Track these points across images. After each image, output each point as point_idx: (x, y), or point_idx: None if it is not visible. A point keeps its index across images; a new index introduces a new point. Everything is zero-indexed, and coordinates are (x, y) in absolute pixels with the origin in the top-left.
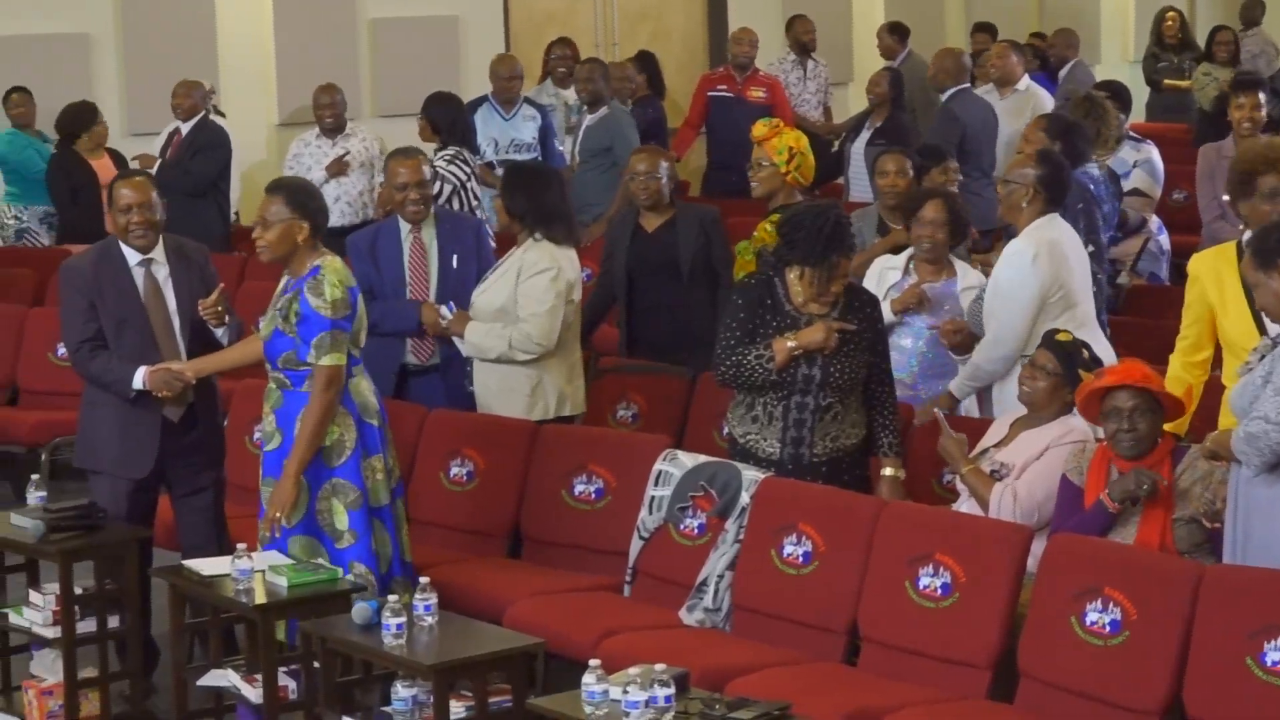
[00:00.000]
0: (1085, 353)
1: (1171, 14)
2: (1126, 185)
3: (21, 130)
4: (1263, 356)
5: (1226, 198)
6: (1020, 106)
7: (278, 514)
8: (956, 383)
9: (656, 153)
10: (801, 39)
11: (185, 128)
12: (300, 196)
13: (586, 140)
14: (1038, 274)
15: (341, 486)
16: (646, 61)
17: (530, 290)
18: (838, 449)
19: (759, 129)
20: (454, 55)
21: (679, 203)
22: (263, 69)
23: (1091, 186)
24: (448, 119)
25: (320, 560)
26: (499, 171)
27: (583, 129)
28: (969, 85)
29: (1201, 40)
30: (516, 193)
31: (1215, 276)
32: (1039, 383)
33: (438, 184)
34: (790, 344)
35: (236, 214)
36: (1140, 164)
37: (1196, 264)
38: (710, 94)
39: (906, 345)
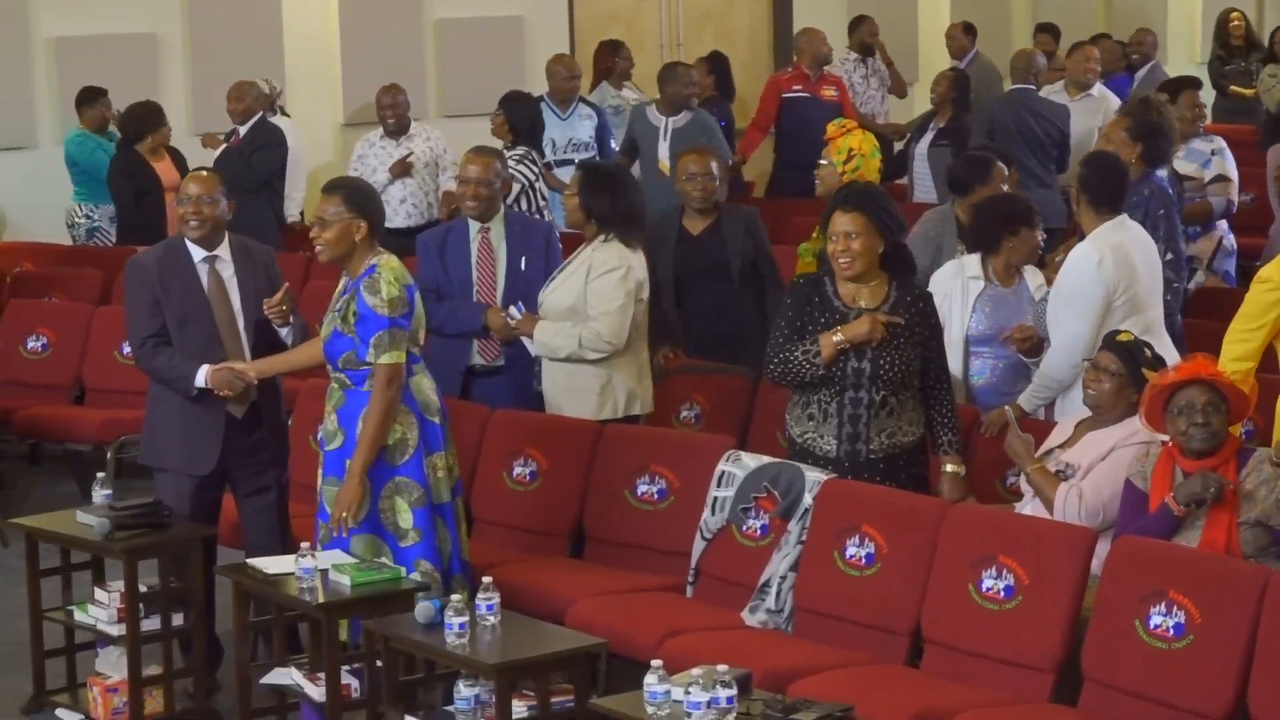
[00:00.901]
0: (1148, 352)
1: (1236, 15)
2: (1208, 174)
3: (94, 134)
4: None
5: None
6: (1093, 108)
7: (344, 514)
8: (1026, 396)
9: (707, 152)
10: (865, 39)
11: (244, 130)
12: (358, 196)
13: (677, 144)
14: (1102, 279)
15: (405, 485)
16: (717, 62)
17: (601, 288)
18: (894, 445)
19: (831, 128)
20: (519, 55)
21: (722, 204)
22: (328, 69)
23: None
24: (527, 119)
25: (384, 559)
26: (556, 172)
27: (670, 132)
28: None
29: (1266, 40)
30: (599, 193)
31: None
32: (1104, 384)
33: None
34: (836, 338)
35: (300, 214)
36: (1217, 152)
37: (1274, 271)
38: (784, 94)
39: (987, 351)
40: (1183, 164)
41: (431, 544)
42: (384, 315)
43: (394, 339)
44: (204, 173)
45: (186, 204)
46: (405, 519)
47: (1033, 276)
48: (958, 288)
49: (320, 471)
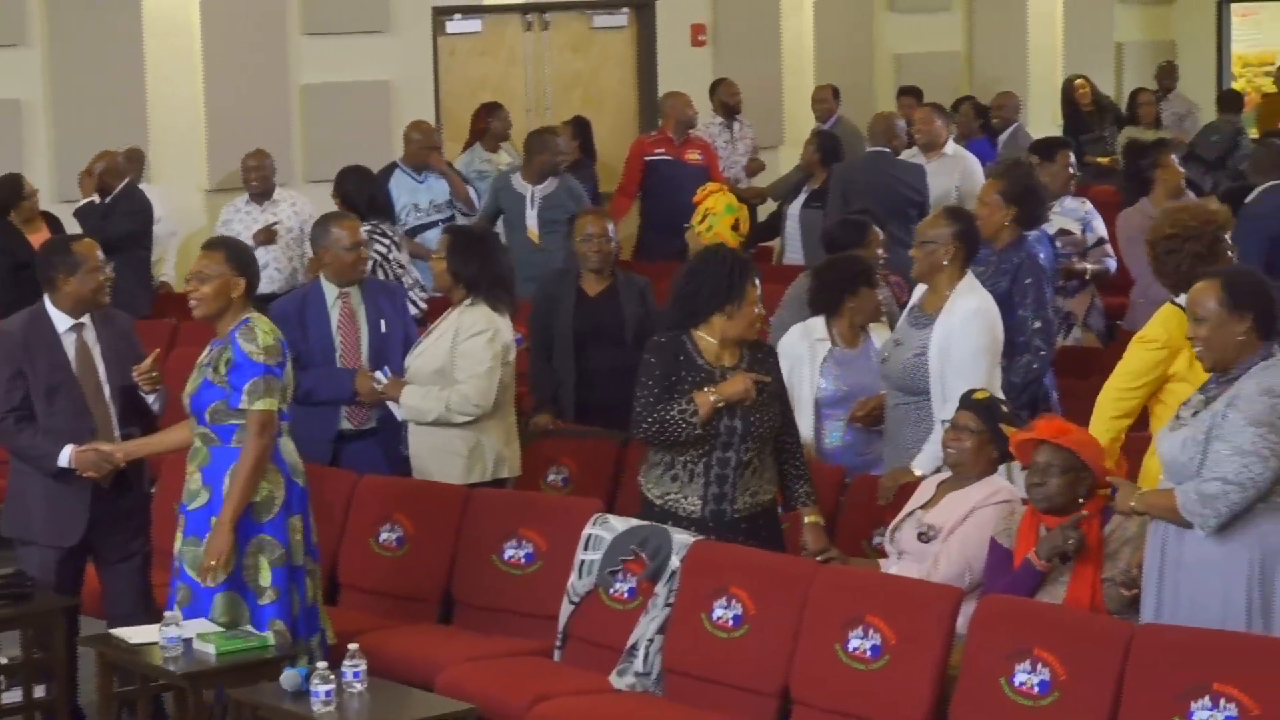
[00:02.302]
0: (1004, 408)
1: (1080, 81)
2: (1092, 237)
3: None
4: (1195, 412)
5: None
6: (949, 169)
7: (214, 562)
8: (922, 459)
9: (604, 214)
10: (726, 101)
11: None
12: (239, 255)
13: (545, 211)
14: (994, 332)
15: (268, 543)
16: (580, 127)
17: (469, 351)
18: (756, 505)
19: (700, 192)
20: (385, 120)
21: (616, 268)
22: (193, 134)
23: (1041, 252)
24: (363, 194)
25: (243, 615)
26: (419, 239)
27: (537, 200)
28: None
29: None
30: (467, 257)
31: (1182, 341)
32: (965, 443)
33: None
34: (713, 397)
35: (166, 281)
36: (1090, 214)
37: (1160, 331)
38: (648, 158)
39: (839, 413)
40: (1061, 219)
41: (286, 604)
42: (260, 362)
43: (269, 386)
44: (87, 239)
45: (102, 271)
46: (265, 577)
47: (878, 335)
48: (805, 350)
49: (180, 533)
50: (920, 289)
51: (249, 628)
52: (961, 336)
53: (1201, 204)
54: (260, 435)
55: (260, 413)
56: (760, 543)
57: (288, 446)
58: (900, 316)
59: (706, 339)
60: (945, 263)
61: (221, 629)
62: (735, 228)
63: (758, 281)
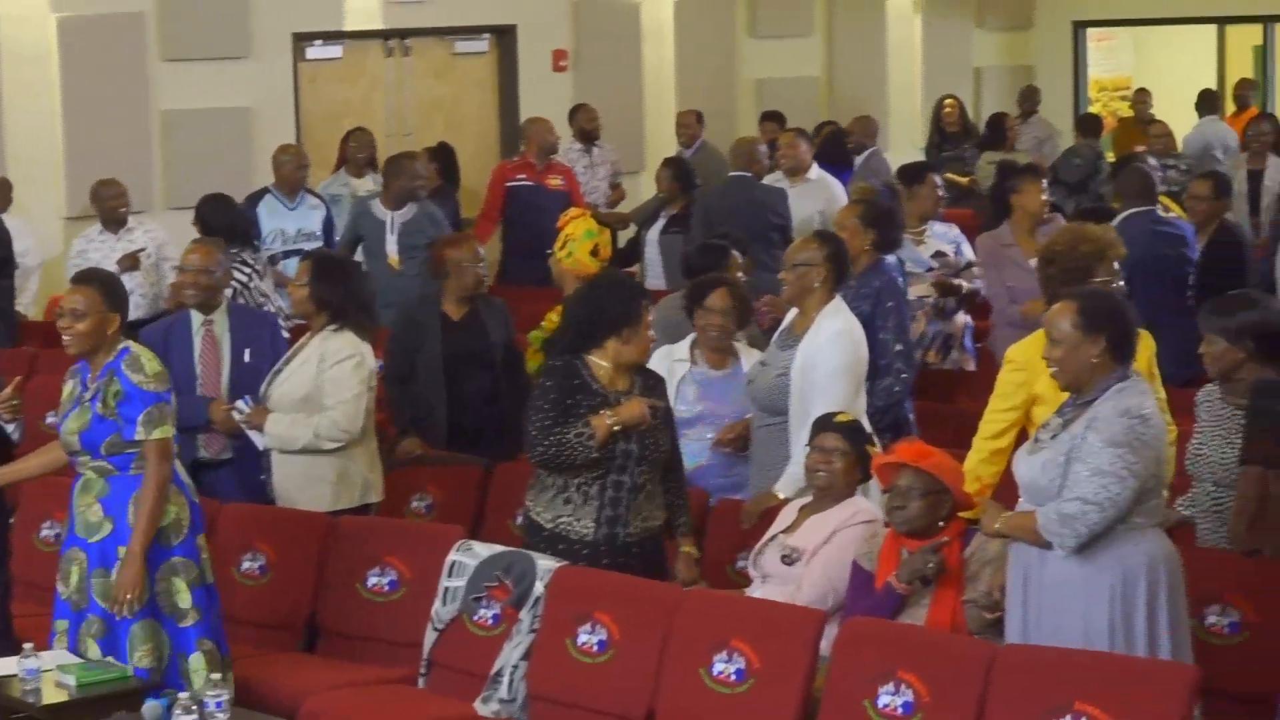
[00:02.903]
0: (864, 430)
1: (950, 102)
2: (963, 260)
3: None
4: (1054, 435)
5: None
6: (812, 194)
7: (129, 596)
8: (784, 482)
9: (470, 239)
10: (585, 127)
11: None
12: (112, 290)
13: (405, 237)
14: (862, 359)
15: (183, 565)
16: (442, 153)
17: (336, 377)
18: (647, 529)
19: (561, 218)
20: (246, 146)
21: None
22: (52, 162)
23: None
24: (223, 221)
25: (163, 641)
26: (280, 266)
27: (397, 226)
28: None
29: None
30: (332, 282)
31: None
32: (835, 464)
33: None
34: (610, 420)
35: (20, 311)
36: (958, 237)
37: (1022, 352)
38: (510, 184)
39: (706, 435)
40: (936, 243)
41: (209, 622)
42: (151, 390)
43: (162, 413)
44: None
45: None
46: (184, 599)
47: (748, 357)
48: (663, 371)
49: (75, 567)
50: (792, 312)
51: (110, 659)
52: (824, 358)
53: (1084, 227)
54: (162, 462)
55: (159, 440)
56: (649, 567)
57: (179, 468)
58: (758, 339)
59: (600, 364)
60: (816, 286)
61: (82, 661)
62: (595, 253)
63: (649, 305)
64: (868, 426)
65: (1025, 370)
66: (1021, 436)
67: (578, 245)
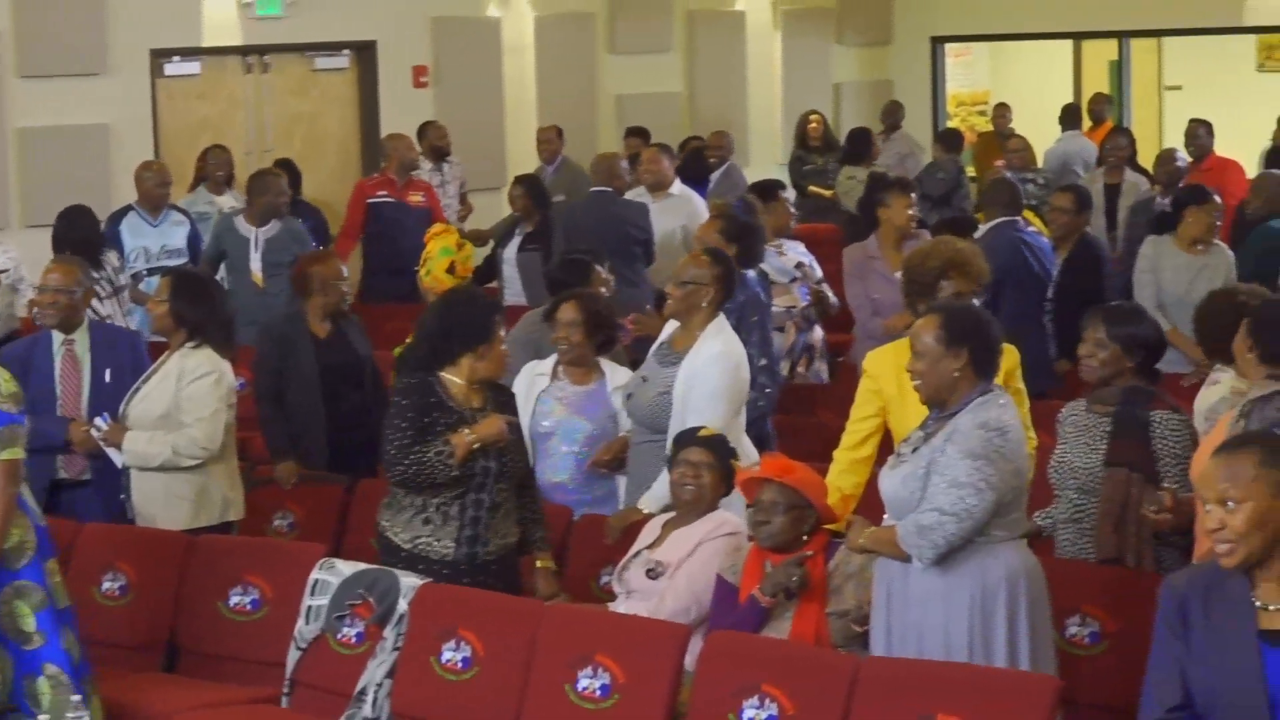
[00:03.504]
0: (728, 444)
1: (814, 117)
2: (818, 273)
3: None
4: (915, 448)
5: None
6: (675, 209)
7: None
8: (649, 497)
9: (335, 256)
10: (436, 144)
11: None
12: None
13: (270, 254)
14: (742, 382)
15: (26, 588)
16: (288, 169)
17: (195, 394)
18: (505, 547)
19: (427, 235)
20: (104, 163)
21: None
22: None
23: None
24: (71, 238)
25: (6, 664)
26: (143, 285)
27: (261, 243)
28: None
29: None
30: (193, 300)
31: (895, 372)
32: (704, 478)
33: None
34: (470, 438)
35: None
36: (806, 252)
37: (874, 361)
38: (370, 200)
39: (564, 450)
40: (796, 255)
41: (59, 646)
42: (2, 410)
43: (13, 435)
44: None
45: None
46: (28, 623)
47: (613, 373)
48: (524, 386)
49: None
50: (671, 326)
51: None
52: (703, 378)
53: (940, 241)
54: (9, 484)
55: (7, 462)
56: (507, 584)
57: (26, 492)
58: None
59: (455, 381)
60: (704, 305)
61: None
62: (451, 270)
63: (501, 320)
64: (748, 445)
65: (877, 379)
66: (887, 448)
67: (435, 263)
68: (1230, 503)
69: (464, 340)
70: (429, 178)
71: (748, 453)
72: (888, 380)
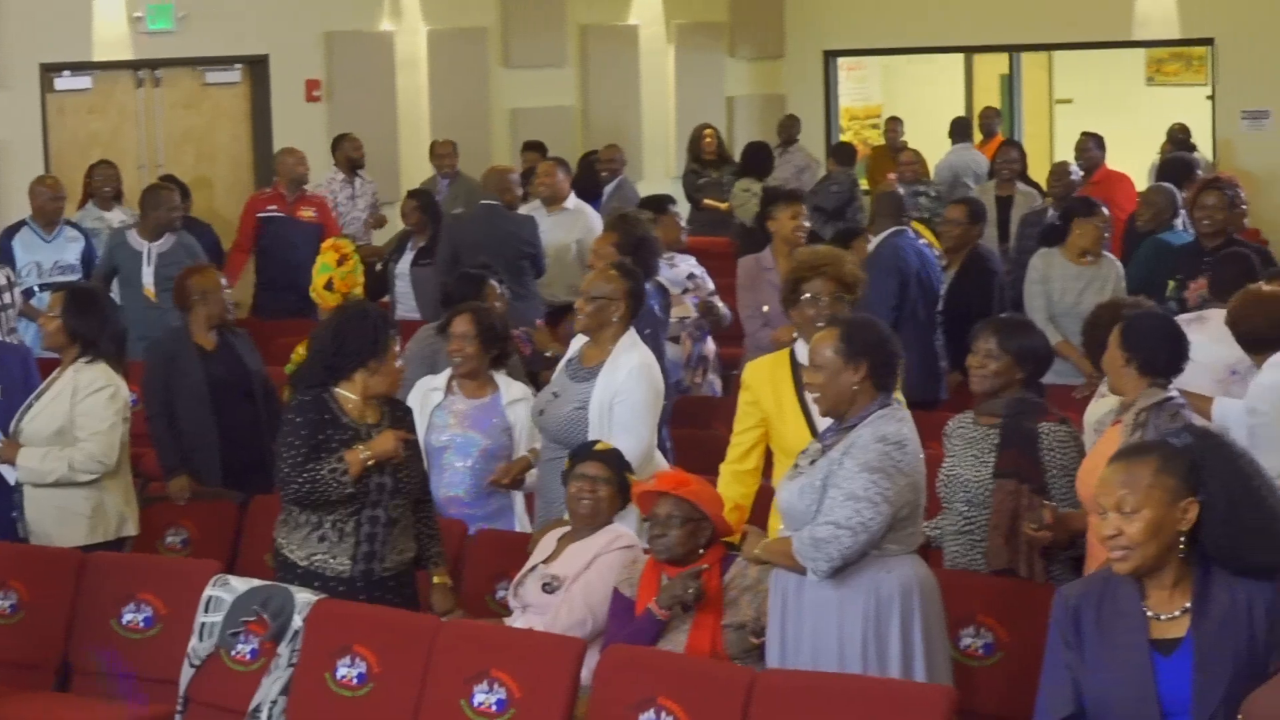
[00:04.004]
0: (624, 458)
1: (709, 131)
2: (709, 286)
3: None
4: (813, 460)
5: (764, 308)
6: (570, 223)
7: None
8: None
9: (213, 268)
10: (351, 156)
11: None
12: None
13: (163, 268)
14: (660, 396)
15: None
16: (177, 183)
17: (91, 409)
18: (402, 563)
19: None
20: None
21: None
22: None
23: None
24: None
25: None
26: (35, 301)
27: (154, 258)
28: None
29: (737, 154)
30: (86, 315)
31: (771, 384)
32: (600, 492)
33: None
34: (364, 454)
35: None
36: (696, 264)
37: (751, 373)
38: (260, 215)
39: (458, 465)
40: (688, 267)
41: None
42: None
43: None
44: None
45: None
46: None
47: (507, 387)
48: (418, 401)
49: None
50: (579, 341)
51: None
52: (627, 392)
53: (805, 248)
54: None
55: None
56: (405, 600)
57: None
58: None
59: (349, 396)
60: (615, 319)
61: None
62: (329, 287)
63: (396, 335)
64: (660, 459)
65: (755, 390)
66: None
67: (317, 278)
68: (1127, 510)
69: (357, 356)
70: (340, 190)
71: (659, 465)
72: (765, 392)
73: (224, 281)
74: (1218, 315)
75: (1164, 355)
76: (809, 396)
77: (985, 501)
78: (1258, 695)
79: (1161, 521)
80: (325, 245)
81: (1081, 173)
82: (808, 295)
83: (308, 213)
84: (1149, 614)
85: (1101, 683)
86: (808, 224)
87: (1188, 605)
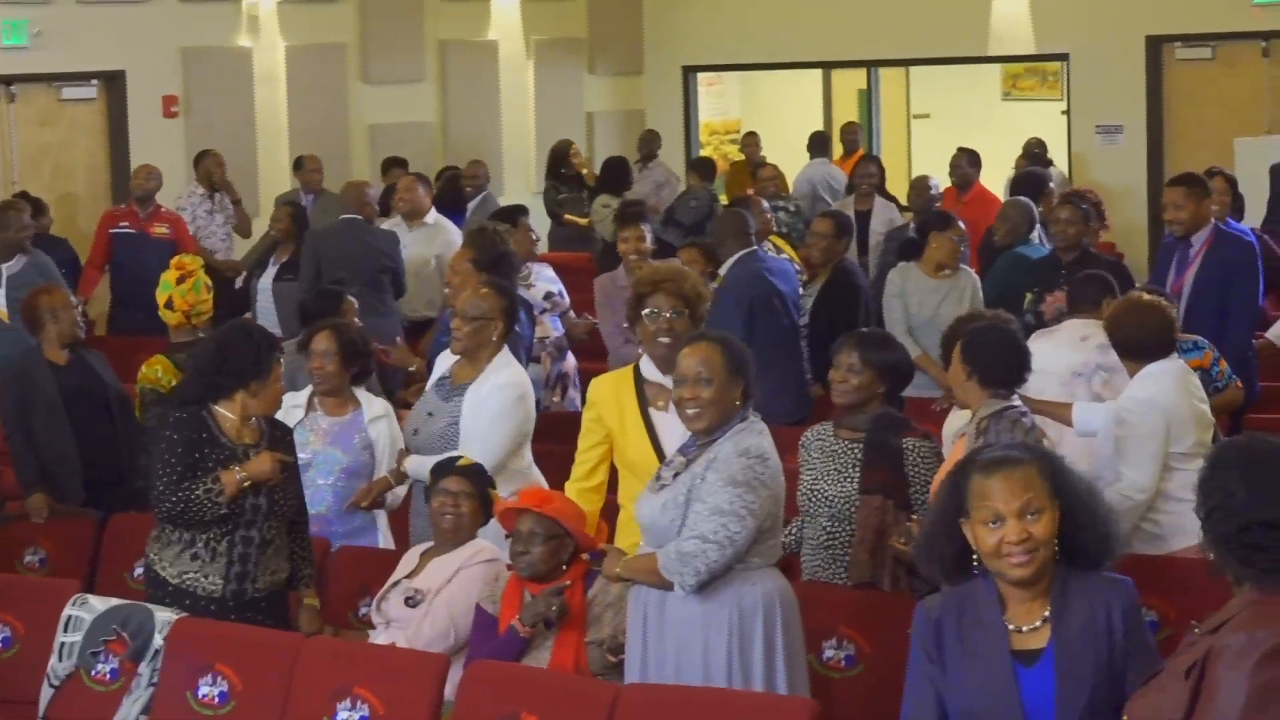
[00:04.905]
0: (486, 473)
1: (575, 147)
2: (566, 301)
3: None
4: (677, 474)
5: (624, 324)
6: (430, 238)
7: None
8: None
9: (60, 287)
10: (212, 172)
11: None
12: None
13: (15, 289)
14: (524, 413)
15: None
16: (32, 201)
17: None
18: (274, 583)
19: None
20: None
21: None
22: None
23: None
24: None
25: None
26: None
27: (5, 279)
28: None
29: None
30: None
31: (615, 400)
32: (462, 508)
33: None
34: (240, 475)
35: None
36: (553, 278)
37: (596, 389)
38: (113, 230)
39: (320, 482)
40: (543, 284)
41: None
42: None
43: None
44: None
45: None
46: None
47: (369, 404)
48: (279, 418)
49: None
50: (447, 360)
51: None
52: (485, 405)
53: (648, 264)
54: None
55: None
56: (276, 621)
57: None
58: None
59: (228, 416)
60: (494, 339)
61: None
62: (169, 305)
63: (282, 360)
64: (538, 474)
65: (599, 407)
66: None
67: (159, 296)
68: (1033, 511)
69: (238, 376)
70: (199, 205)
71: (539, 481)
72: (609, 408)
73: (76, 300)
74: (1069, 326)
75: (1003, 367)
76: (690, 411)
77: (849, 516)
78: (1141, 696)
79: (1051, 524)
80: (173, 263)
81: (940, 188)
82: (648, 311)
83: (161, 229)
84: (1010, 627)
85: (966, 695)
86: (648, 244)
87: (1046, 614)
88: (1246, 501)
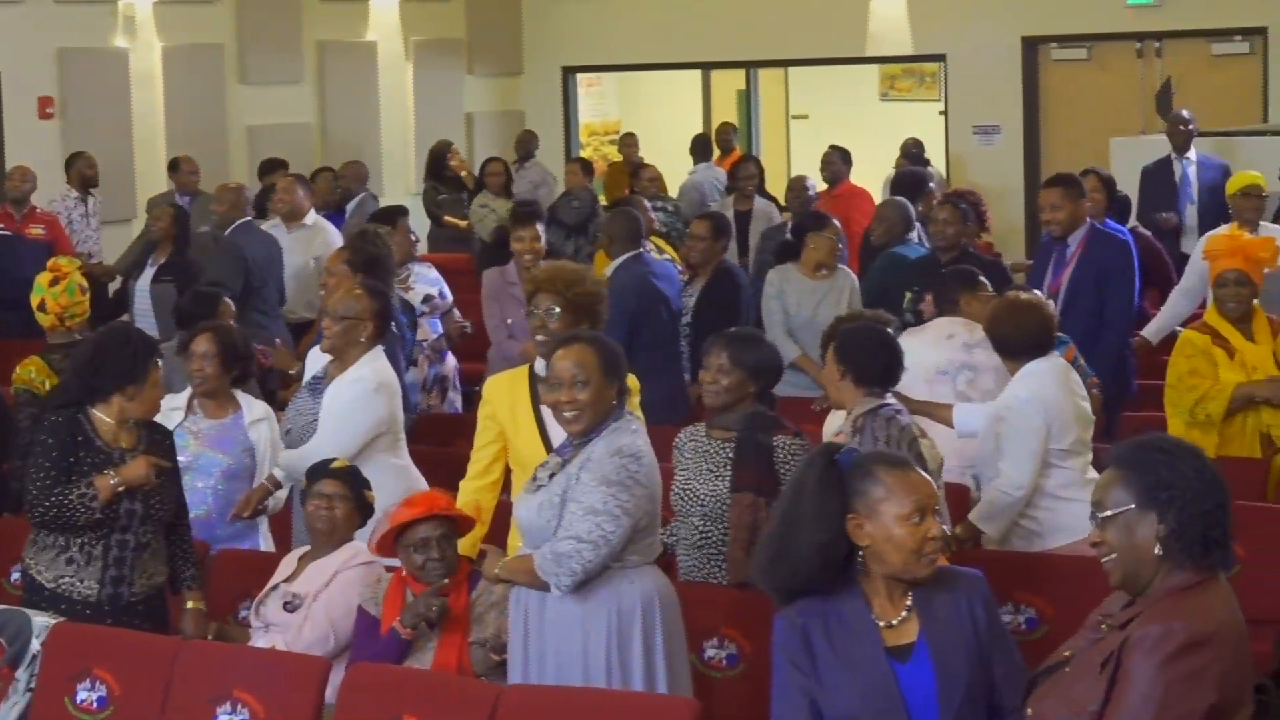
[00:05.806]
0: (361, 475)
1: (453, 149)
2: (446, 302)
3: None
4: (553, 474)
5: (509, 320)
6: (309, 239)
7: None
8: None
9: None
10: (85, 173)
11: None
12: None
13: None
14: (381, 405)
15: None
16: None
17: None
18: (152, 586)
19: None
20: None
21: None
22: None
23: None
24: None
25: None
26: None
27: None
28: (251, 219)
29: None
30: None
31: (509, 398)
32: (336, 510)
33: None
34: (113, 480)
35: None
36: (439, 279)
37: (491, 387)
38: None
39: (200, 485)
40: (422, 287)
41: None
42: None
43: None
44: None
45: None
46: None
47: (250, 406)
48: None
49: None
50: (320, 359)
51: None
52: (337, 399)
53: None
54: None
55: None
56: (154, 624)
57: None
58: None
59: (104, 419)
60: (363, 339)
61: None
62: (42, 308)
63: (160, 362)
64: (418, 477)
65: (493, 404)
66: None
67: (32, 299)
68: (937, 510)
69: (115, 379)
70: (74, 208)
71: (418, 480)
72: (502, 406)
73: None
74: (936, 324)
75: (876, 366)
76: (567, 414)
77: (721, 515)
78: (1048, 691)
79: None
80: (49, 264)
81: (819, 188)
82: (535, 310)
83: (36, 230)
84: (880, 624)
85: (845, 699)
86: (542, 244)
87: (909, 604)
88: (1208, 488)
